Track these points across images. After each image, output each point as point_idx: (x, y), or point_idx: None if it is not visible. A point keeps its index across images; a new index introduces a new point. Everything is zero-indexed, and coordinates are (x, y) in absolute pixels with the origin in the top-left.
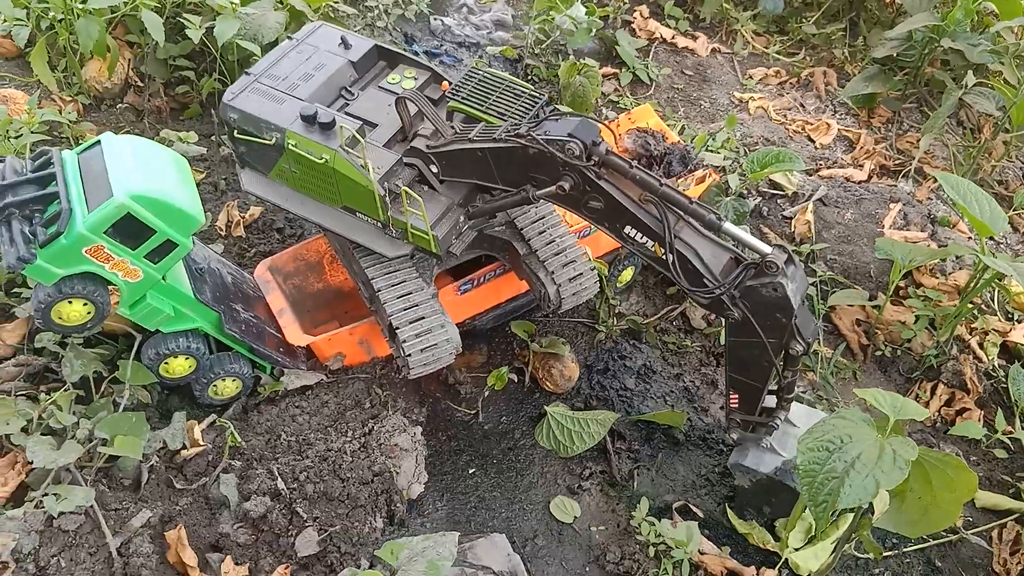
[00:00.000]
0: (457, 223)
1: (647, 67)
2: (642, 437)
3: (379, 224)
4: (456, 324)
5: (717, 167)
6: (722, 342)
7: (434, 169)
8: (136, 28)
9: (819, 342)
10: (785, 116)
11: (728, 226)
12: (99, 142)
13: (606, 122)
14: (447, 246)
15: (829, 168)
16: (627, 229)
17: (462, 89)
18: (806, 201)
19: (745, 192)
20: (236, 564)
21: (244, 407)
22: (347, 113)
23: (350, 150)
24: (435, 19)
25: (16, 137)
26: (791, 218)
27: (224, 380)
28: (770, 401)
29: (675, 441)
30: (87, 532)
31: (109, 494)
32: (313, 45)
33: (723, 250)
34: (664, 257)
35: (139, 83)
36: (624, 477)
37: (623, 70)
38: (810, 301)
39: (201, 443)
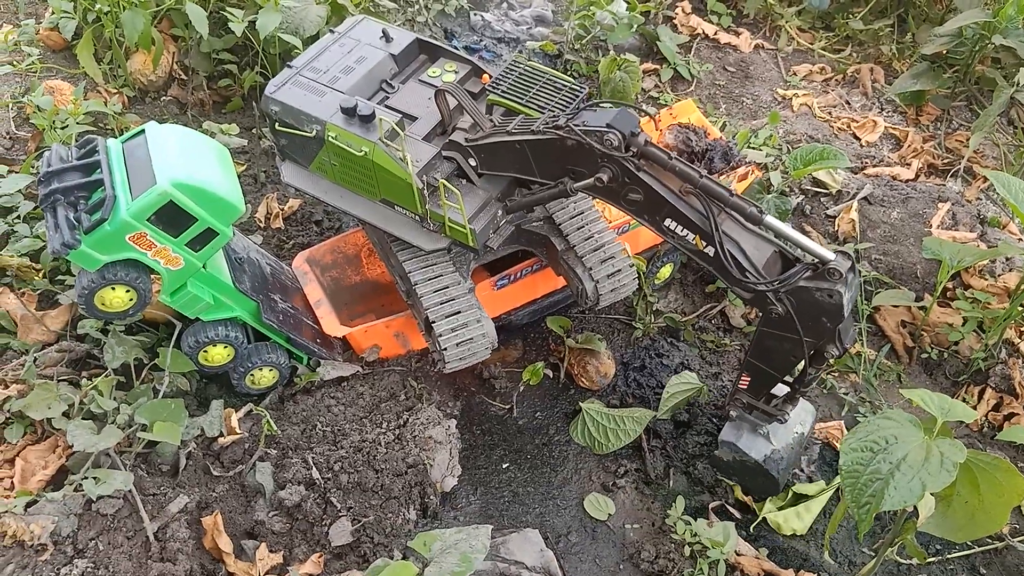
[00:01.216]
0: (495, 217)
1: (688, 63)
2: (677, 435)
3: (417, 217)
4: (492, 319)
5: (759, 164)
6: None
7: (472, 162)
8: (181, 22)
9: (863, 343)
10: (830, 113)
11: (771, 220)
12: (143, 131)
13: (647, 117)
14: (484, 240)
15: (875, 166)
16: (667, 222)
17: (502, 82)
18: (851, 199)
19: (787, 190)
20: (271, 551)
21: (280, 397)
22: (387, 106)
23: (389, 143)
24: (475, 15)
25: (62, 127)
26: (835, 217)
27: (261, 369)
28: (780, 390)
29: (712, 440)
30: (125, 516)
31: (147, 479)
32: (355, 38)
33: (766, 243)
34: (705, 250)
35: (183, 76)
36: (659, 475)
37: (664, 66)
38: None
39: (238, 431)
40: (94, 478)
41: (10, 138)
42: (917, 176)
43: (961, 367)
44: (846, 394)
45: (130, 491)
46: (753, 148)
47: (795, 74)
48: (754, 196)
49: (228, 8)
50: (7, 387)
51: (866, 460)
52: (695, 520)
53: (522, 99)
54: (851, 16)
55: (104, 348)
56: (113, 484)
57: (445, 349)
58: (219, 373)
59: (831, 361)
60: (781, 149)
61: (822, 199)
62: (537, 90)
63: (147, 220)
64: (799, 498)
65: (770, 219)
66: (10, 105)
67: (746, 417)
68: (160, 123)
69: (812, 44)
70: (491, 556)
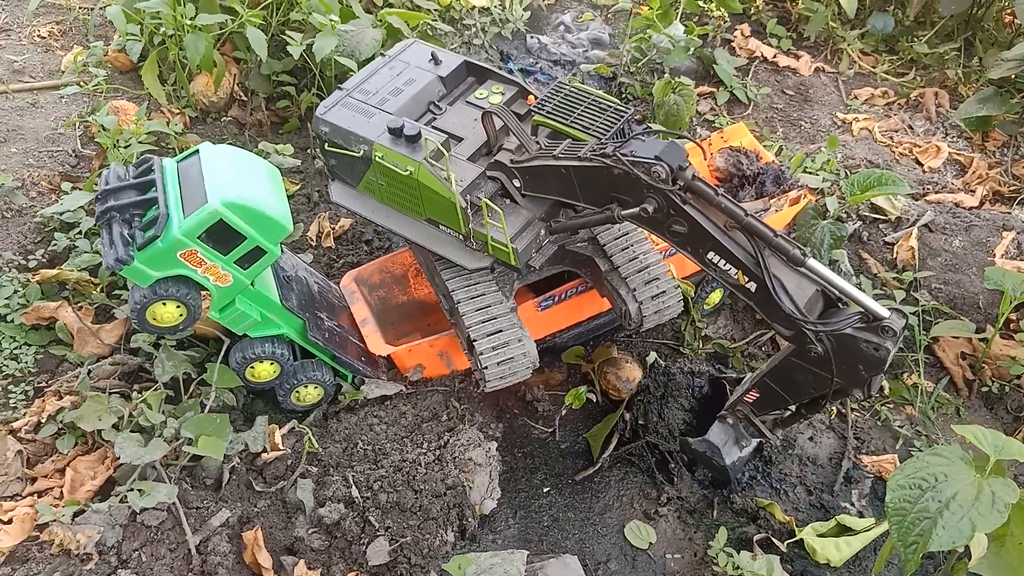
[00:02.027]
0: (538, 237)
1: (745, 86)
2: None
3: (460, 236)
4: (536, 340)
5: (814, 189)
6: None
7: (517, 183)
8: (243, 45)
9: (920, 375)
10: (891, 138)
11: (813, 264)
12: (197, 151)
13: (698, 141)
14: (527, 259)
15: (937, 193)
16: (710, 255)
17: (547, 103)
18: (910, 226)
19: (844, 216)
20: (309, 568)
21: (324, 414)
22: (434, 127)
23: (434, 163)
24: (531, 37)
25: (125, 147)
26: (893, 244)
27: (307, 387)
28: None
29: (760, 473)
30: (168, 528)
31: (191, 492)
32: (405, 61)
33: (808, 282)
34: (747, 285)
35: (243, 97)
36: (702, 505)
37: (720, 89)
38: (911, 332)
39: (281, 447)
40: (139, 490)
41: (76, 156)
42: (981, 203)
43: None
44: (901, 427)
45: (174, 504)
46: (809, 173)
47: (856, 98)
48: (809, 222)
49: (288, 32)
50: (61, 398)
51: (914, 498)
52: (738, 552)
53: (567, 120)
54: (916, 39)
55: (154, 362)
56: (157, 496)
57: (486, 367)
58: (265, 389)
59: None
60: (839, 174)
61: (880, 226)
62: (582, 111)
63: (198, 238)
64: (843, 529)
65: (812, 263)
66: (77, 124)
67: (738, 427)
68: (219, 143)
69: (874, 67)
70: None
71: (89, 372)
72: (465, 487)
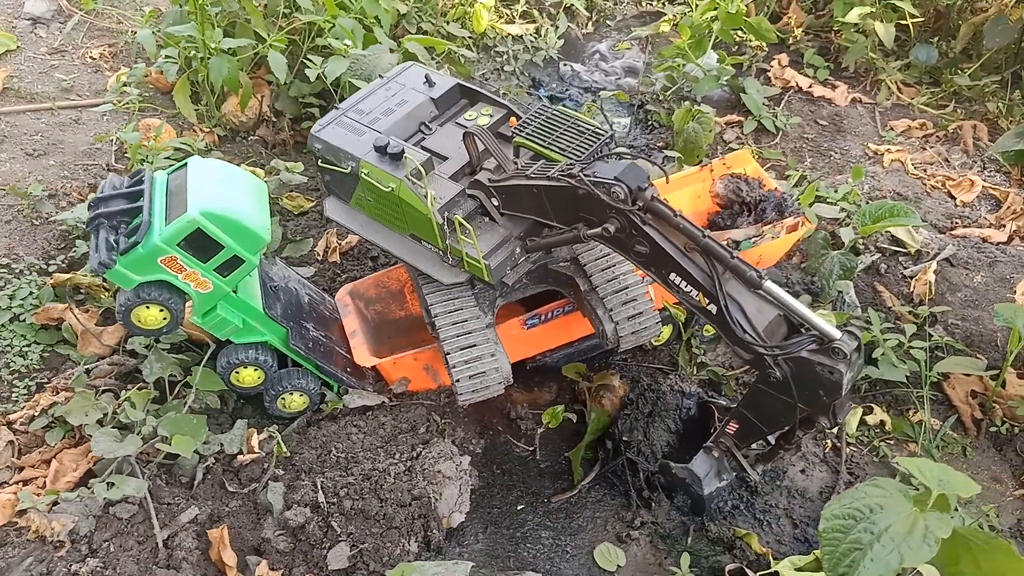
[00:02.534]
0: (513, 255)
1: (775, 115)
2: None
3: (439, 252)
4: (524, 359)
5: (830, 219)
6: None
7: (495, 202)
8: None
9: (926, 412)
10: (925, 171)
11: (771, 286)
12: (186, 164)
13: (700, 166)
14: (500, 276)
15: (966, 227)
16: (672, 276)
17: (528, 125)
18: (930, 260)
19: (862, 247)
20: (271, 569)
21: (308, 421)
22: (423, 146)
23: (414, 180)
24: (564, 64)
25: (151, 162)
26: (912, 278)
27: (292, 394)
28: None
29: (743, 503)
30: (139, 522)
31: (165, 489)
32: (401, 83)
33: (770, 306)
34: (708, 307)
35: (272, 118)
36: (679, 531)
37: (748, 118)
38: (918, 364)
39: (257, 451)
40: (108, 483)
41: (108, 169)
42: (1010, 239)
43: None
44: (899, 464)
45: (144, 498)
46: (830, 203)
47: (892, 129)
48: (819, 252)
49: (309, 56)
50: (57, 394)
51: (847, 528)
52: None
53: (545, 142)
54: (960, 72)
55: (144, 363)
56: (125, 490)
57: (458, 381)
58: (253, 395)
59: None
60: (860, 205)
61: (900, 259)
62: (560, 134)
63: (177, 245)
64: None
65: (770, 285)
66: (113, 140)
67: (722, 460)
68: (245, 160)
69: (913, 99)
70: None
71: (88, 371)
72: (431, 499)
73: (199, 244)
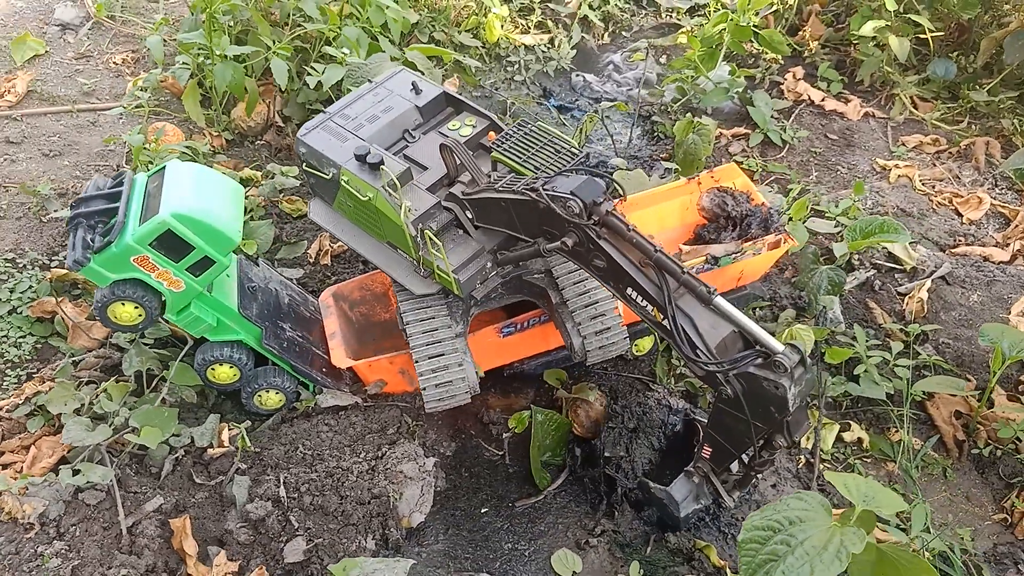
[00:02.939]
0: (483, 269)
1: (784, 129)
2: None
3: (413, 262)
4: (500, 367)
5: (825, 234)
6: None
7: (469, 215)
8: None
9: (906, 431)
10: (932, 187)
11: (720, 302)
12: (165, 167)
13: (689, 179)
14: (470, 289)
15: (968, 245)
16: (628, 291)
17: (507, 140)
18: (924, 277)
19: (857, 263)
20: (230, 559)
21: (283, 418)
22: (405, 155)
23: (390, 191)
24: (576, 75)
25: (151, 164)
26: (906, 295)
27: (268, 392)
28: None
29: (709, 515)
30: (106, 508)
31: (134, 478)
32: (389, 89)
33: (726, 322)
34: (663, 323)
35: (280, 123)
36: (639, 541)
37: (756, 131)
38: (900, 383)
39: (227, 445)
40: (74, 470)
41: (118, 170)
42: (1013, 259)
43: (1019, 468)
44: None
45: (111, 486)
46: (828, 218)
47: (903, 144)
48: (808, 266)
49: (313, 63)
50: (43, 383)
51: (765, 539)
52: None
53: (521, 158)
54: (978, 88)
55: (124, 356)
56: (90, 476)
57: (424, 388)
58: (229, 391)
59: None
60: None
61: (896, 276)
62: (536, 151)
63: (149, 245)
64: None
65: (720, 301)
66: (124, 142)
67: (702, 487)
68: (249, 164)
69: (927, 115)
70: None
71: (76, 363)
72: (391, 498)
73: (170, 244)
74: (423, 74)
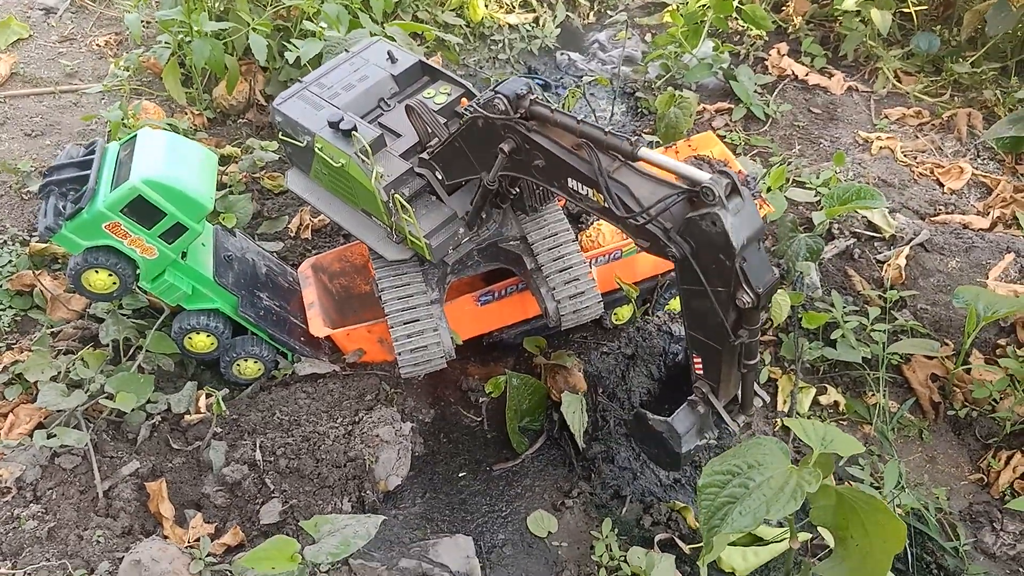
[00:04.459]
0: (455, 235)
1: (767, 104)
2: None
3: (386, 228)
4: (479, 335)
5: (805, 203)
6: (761, 381)
7: (439, 175)
8: (269, 55)
9: (884, 395)
10: (914, 158)
11: (646, 152)
12: (136, 135)
13: (665, 148)
14: (442, 255)
15: (949, 213)
16: (571, 183)
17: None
18: (903, 245)
19: (837, 232)
20: (206, 522)
21: (261, 386)
22: (379, 123)
23: (363, 157)
24: (561, 54)
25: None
26: (884, 262)
27: (246, 361)
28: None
29: (685, 476)
30: (82, 472)
31: (110, 444)
32: (365, 58)
33: (666, 187)
34: (605, 204)
35: (263, 102)
36: (616, 503)
37: (738, 105)
38: (877, 347)
39: (204, 411)
40: (49, 433)
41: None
42: (993, 226)
43: (995, 428)
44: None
45: (87, 450)
46: (808, 188)
47: (886, 117)
48: (787, 234)
49: (293, 40)
50: (22, 353)
51: (724, 482)
52: (636, 548)
53: None
54: (961, 60)
55: (101, 325)
56: (65, 440)
57: (400, 353)
58: (208, 360)
59: (757, 316)
60: None
61: (876, 244)
62: None
63: (120, 211)
64: (754, 539)
65: (645, 151)
66: (105, 121)
67: (707, 417)
68: (230, 142)
69: (910, 88)
70: (418, 556)
71: (54, 334)
72: (367, 461)
73: (142, 211)
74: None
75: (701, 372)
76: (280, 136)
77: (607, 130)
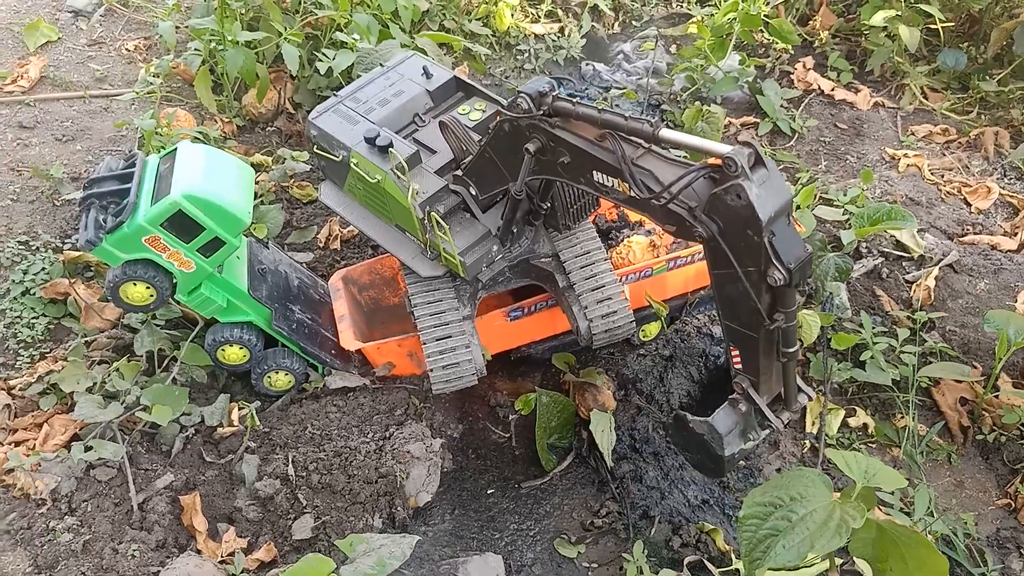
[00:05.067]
0: (489, 252)
1: (793, 118)
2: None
3: (421, 244)
4: (507, 351)
5: (833, 222)
6: None
7: (473, 191)
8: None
9: (913, 418)
10: (941, 176)
11: (667, 132)
12: (176, 149)
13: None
14: (475, 272)
15: (977, 234)
16: (596, 176)
17: None
18: (932, 265)
19: (865, 251)
20: (239, 536)
21: (292, 399)
22: (415, 139)
23: (399, 174)
24: (586, 64)
25: (163, 148)
26: (913, 283)
27: (277, 373)
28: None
29: (714, 498)
30: (117, 485)
31: (144, 456)
32: (400, 73)
33: (685, 168)
34: (631, 194)
35: (291, 110)
36: (645, 523)
37: (764, 120)
38: (907, 369)
39: (237, 424)
40: (87, 446)
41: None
42: (1021, 247)
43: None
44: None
45: (123, 462)
46: (836, 206)
47: (913, 134)
48: (815, 253)
49: (323, 50)
50: (56, 363)
51: (766, 514)
52: (668, 571)
53: None
54: (988, 77)
55: (136, 336)
56: (102, 453)
57: (431, 370)
58: (242, 372)
59: (794, 298)
60: None
61: (904, 264)
62: None
63: (160, 225)
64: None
65: (665, 132)
66: (136, 128)
67: (750, 416)
68: (260, 150)
69: (937, 105)
70: (448, 574)
71: (88, 343)
72: (398, 477)
73: (181, 225)
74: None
75: (740, 366)
76: (315, 150)
77: (628, 115)
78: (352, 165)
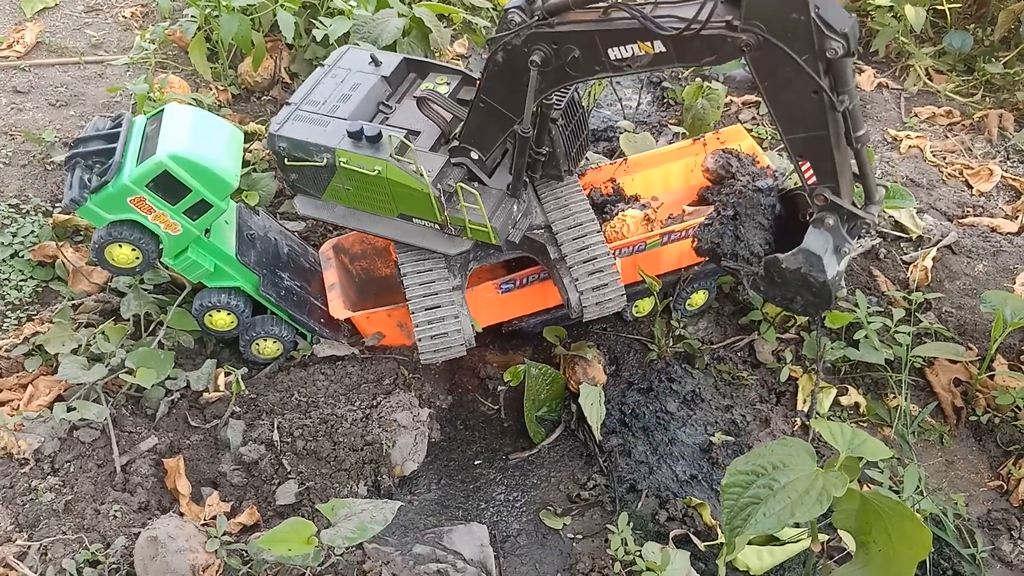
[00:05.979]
0: (511, 213)
1: None
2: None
3: (437, 226)
4: (499, 323)
5: None
6: (782, 379)
7: (475, 155)
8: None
9: (906, 398)
10: (943, 158)
11: None
12: (163, 109)
13: (694, 140)
14: (505, 236)
15: (977, 216)
16: (613, 53)
17: None
18: (930, 246)
19: (863, 232)
20: (222, 500)
21: (280, 367)
22: (389, 125)
23: (401, 158)
24: None
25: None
26: (910, 263)
27: (265, 340)
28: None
29: (702, 473)
30: (100, 446)
31: (129, 419)
32: (345, 68)
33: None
34: (655, 47)
35: (287, 79)
36: (632, 496)
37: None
38: (900, 349)
39: (223, 390)
40: (69, 406)
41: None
42: (1022, 230)
43: (1017, 436)
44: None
45: (106, 424)
46: None
47: (916, 116)
48: None
49: (320, 18)
50: (43, 324)
51: (748, 482)
52: (652, 542)
53: None
54: (994, 60)
55: (123, 300)
56: (85, 413)
57: (420, 339)
58: (231, 339)
59: (848, 67)
60: None
61: (902, 244)
62: None
63: (145, 186)
64: (771, 539)
65: None
66: (129, 93)
67: (838, 230)
68: (254, 119)
69: (942, 86)
70: (432, 543)
71: (75, 306)
72: (384, 446)
73: (167, 186)
74: (431, 32)
75: (815, 179)
76: (286, 162)
77: None
78: (341, 165)
